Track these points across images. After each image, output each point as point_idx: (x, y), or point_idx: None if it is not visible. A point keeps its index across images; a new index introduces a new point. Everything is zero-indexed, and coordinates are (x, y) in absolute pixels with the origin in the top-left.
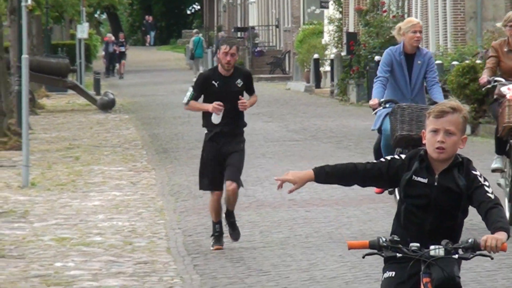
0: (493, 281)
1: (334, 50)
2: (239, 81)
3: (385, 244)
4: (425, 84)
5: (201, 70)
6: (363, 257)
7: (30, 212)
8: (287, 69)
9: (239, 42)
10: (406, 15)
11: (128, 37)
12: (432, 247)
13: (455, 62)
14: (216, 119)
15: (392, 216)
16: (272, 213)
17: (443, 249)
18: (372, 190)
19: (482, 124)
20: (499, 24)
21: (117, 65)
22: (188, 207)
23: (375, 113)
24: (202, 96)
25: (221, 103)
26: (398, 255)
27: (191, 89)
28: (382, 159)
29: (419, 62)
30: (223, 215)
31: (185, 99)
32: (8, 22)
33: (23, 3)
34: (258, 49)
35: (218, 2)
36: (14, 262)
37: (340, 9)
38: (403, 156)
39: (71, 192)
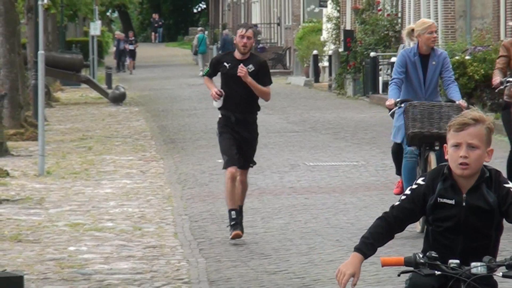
0: None
1: (332, 47)
2: (251, 66)
3: (422, 261)
4: (439, 83)
5: (202, 68)
6: (399, 275)
7: (46, 199)
8: (287, 64)
9: (254, 26)
10: (400, 14)
11: (138, 34)
12: (473, 264)
13: None
14: (217, 104)
15: (385, 203)
16: (273, 200)
17: (485, 266)
18: (366, 178)
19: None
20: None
21: (127, 61)
22: (194, 195)
23: (391, 114)
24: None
25: (220, 91)
26: (437, 273)
27: (208, 65)
28: (403, 196)
29: (433, 62)
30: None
31: (201, 72)
32: (25, 20)
33: (39, 2)
34: (261, 45)
35: (223, 1)
36: (31, 246)
37: (338, 8)
38: (422, 180)
39: (84, 180)
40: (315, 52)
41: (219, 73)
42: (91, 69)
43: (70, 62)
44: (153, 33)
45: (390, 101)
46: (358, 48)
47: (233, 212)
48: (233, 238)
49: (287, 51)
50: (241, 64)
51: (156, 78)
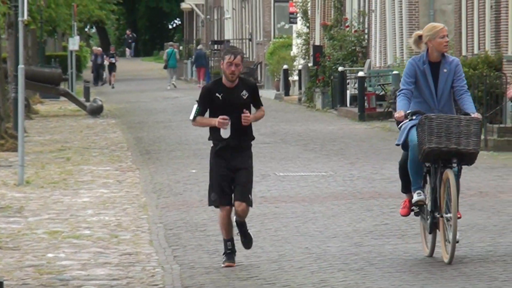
0: (442, 271)
1: (302, 61)
2: (244, 92)
3: None
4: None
5: (174, 79)
6: None
7: (25, 208)
8: (259, 78)
9: (242, 51)
10: (366, 30)
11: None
12: None
13: None
14: (225, 133)
15: (353, 212)
16: None
17: None
18: (334, 188)
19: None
20: None
21: (105, 75)
22: (169, 203)
23: (400, 127)
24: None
25: (226, 117)
26: None
27: (196, 105)
28: None
29: (445, 70)
30: (235, 232)
31: (191, 116)
32: (6, 35)
33: (19, 18)
34: None
35: (197, 18)
36: (10, 253)
37: (307, 24)
38: None
39: (63, 189)
40: (285, 66)
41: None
42: (69, 83)
43: (49, 76)
44: (127, 49)
45: (399, 113)
46: (327, 63)
47: (228, 243)
48: (226, 267)
49: (259, 66)
50: (246, 112)
51: (132, 91)
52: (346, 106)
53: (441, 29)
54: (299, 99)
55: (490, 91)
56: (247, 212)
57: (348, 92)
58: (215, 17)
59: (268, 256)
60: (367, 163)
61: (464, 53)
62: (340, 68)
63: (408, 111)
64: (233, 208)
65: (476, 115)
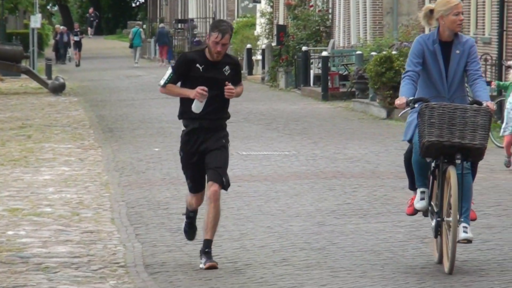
0: (404, 251)
1: (265, 41)
2: (227, 68)
3: None
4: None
5: (139, 57)
6: None
7: None
8: None
9: (232, 27)
10: (330, 10)
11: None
12: None
13: (373, 53)
14: (197, 107)
15: (315, 191)
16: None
17: None
18: (296, 167)
19: (396, 108)
20: None
21: (69, 52)
22: (131, 182)
23: (401, 115)
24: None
25: (205, 88)
26: None
27: (170, 70)
28: None
29: (457, 51)
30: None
31: (162, 81)
32: None
33: None
34: (197, 39)
35: None
36: None
37: (271, 4)
38: None
39: (23, 167)
40: (248, 46)
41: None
42: (31, 60)
43: (11, 53)
44: (89, 28)
45: (400, 100)
46: (291, 42)
47: (191, 213)
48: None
49: None
50: (230, 84)
51: (95, 69)
52: (310, 85)
53: (456, 5)
54: (262, 79)
55: None
56: (219, 194)
57: (311, 71)
58: None
59: (230, 234)
60: (330, 142)
61: (427, 33)
62: (304, 48)
63: (410, 98)
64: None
65: (488, 104)
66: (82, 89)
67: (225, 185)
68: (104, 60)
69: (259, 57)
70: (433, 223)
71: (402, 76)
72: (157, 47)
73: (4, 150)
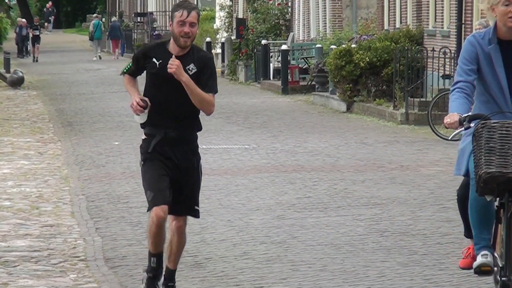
0: (364, 244)
1: (225, 34)
2: (192, 66)
3: None
4: None
5: (99, 51)
6: None
7: None
8: None
9: (197, 7)
10: (290, 3)
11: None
12: None
13: (333, 46)
14: (138, 118)
15: (275, 185)
16: None
17: None
18: (257, 161)
19: (356, 102)
20: None
21: (29, 47)
22: (91, 175)
23: (453, 138)
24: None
25: (145, 102)
26: None
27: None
28: None
29: None
30: (164, 265)
31: (121, 70)
32: None
33: None
34: (156, 32)
35: None
36: None
37: None
38: None
39: None
40: (208, 39)
41: (143, 72)
42: None
43: None
44: (46, 23)
45: (452, 117)
46: (250, 36)
47: (153, 259)
48: None
49: None
50: (173, 56)
51: (54, 63)
52: (269, 79)
53: None
54: (222, 72)
55: (412, 65)
56: (184, 234)
57: (271, 65)
58: None
59: (190, 228)
60: (290, 136)
61: (386, 27)
62: (263, 41)
63: (465, 115)
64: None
65: None
66: (41, 82)
67: (196, 214)
68: (63, 54)
69: (219, 50)
70: (499, 282)
71: (451, 88)
72: (110, 41)
73: None
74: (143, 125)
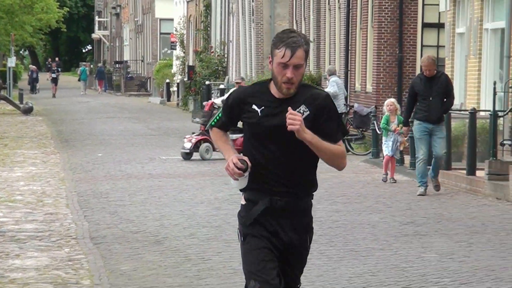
0: None
1: (180, 77)
2: (303, 108)
3: None
4: None
5: (84, 90)
6: None
7: None
8: (148, 88)
9: (305, 40)
10: (226, 55)
11: (41, 68)
12: None
13: None
14: (236, 183)
15: (214, 185)
16: (136, 182)
17: None
18: (201, 168)
19: None
20: None
21: (38, 86)
22: (82, 178)
23: None
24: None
25: (244, 160)
26: None
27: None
28: None
29: None
30: None
31: (210, 122)
32: None
33: None
34: (130, 75)
35: (103, 44)
36: None
37: (184, 50)
38: None
39: (1, 167)
40: (167, 80)
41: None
42: (8, 90)
43: None
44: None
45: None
46: (197, 78)
47: None
48: None
49: (148, 80)
50: (290, 108)
51: (55, 97)
52: None
53: None
54: (177, 104)
55: None
56: None
57: (212, 99)
58: (117, 44)
59: (153, 216)
60: None
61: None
62: (207, 82)
63: None
64: None
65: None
66: (45, 111)
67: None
68: (62, 91)
69: (175, 88)
70: None
71: None
72: (96, 81)
73: None
74: (242, 191)
